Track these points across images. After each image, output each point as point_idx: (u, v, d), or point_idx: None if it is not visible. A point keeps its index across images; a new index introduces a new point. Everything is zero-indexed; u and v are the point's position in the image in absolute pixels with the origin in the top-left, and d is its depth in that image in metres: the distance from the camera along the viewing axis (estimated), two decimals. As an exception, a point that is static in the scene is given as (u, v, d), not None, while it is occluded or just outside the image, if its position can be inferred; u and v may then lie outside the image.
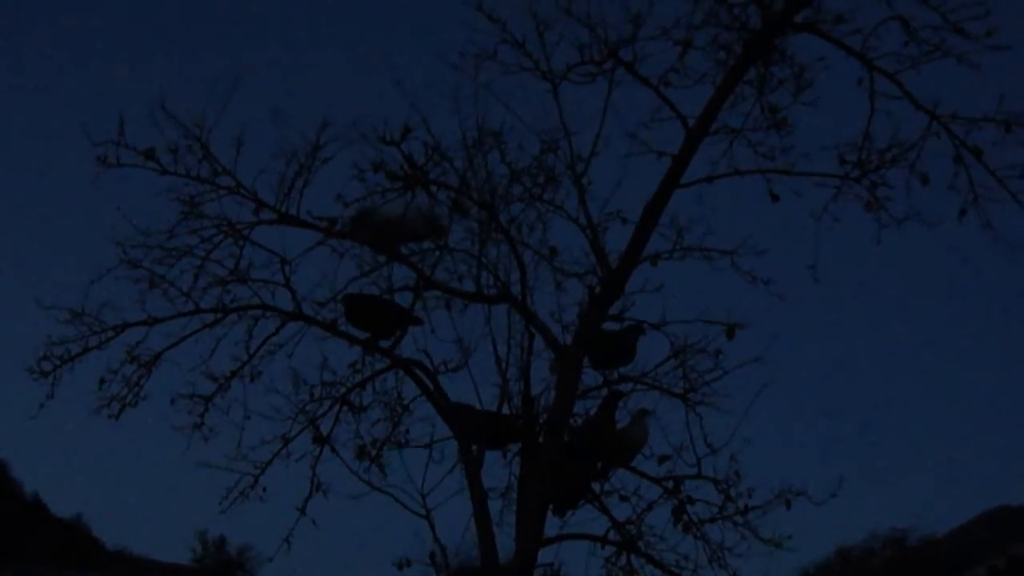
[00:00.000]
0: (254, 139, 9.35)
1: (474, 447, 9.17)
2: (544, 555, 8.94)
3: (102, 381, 9.40)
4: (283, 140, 9.22)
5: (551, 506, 8.98)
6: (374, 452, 9.61)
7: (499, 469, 9.43)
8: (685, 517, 9.19)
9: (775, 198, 9.40)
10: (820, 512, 9.04)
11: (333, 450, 9.63)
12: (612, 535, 9.20)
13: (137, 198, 9.64)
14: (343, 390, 9.64)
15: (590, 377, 9.49)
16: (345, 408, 9.66)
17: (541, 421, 9.19)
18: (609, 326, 9.35)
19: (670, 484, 9.27)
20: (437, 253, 9.55)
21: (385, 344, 9.47)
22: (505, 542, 8.87)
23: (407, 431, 9.69)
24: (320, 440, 9.60)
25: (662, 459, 9.27)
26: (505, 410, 9.34)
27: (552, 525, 8.98)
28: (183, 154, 9.28)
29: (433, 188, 9.48)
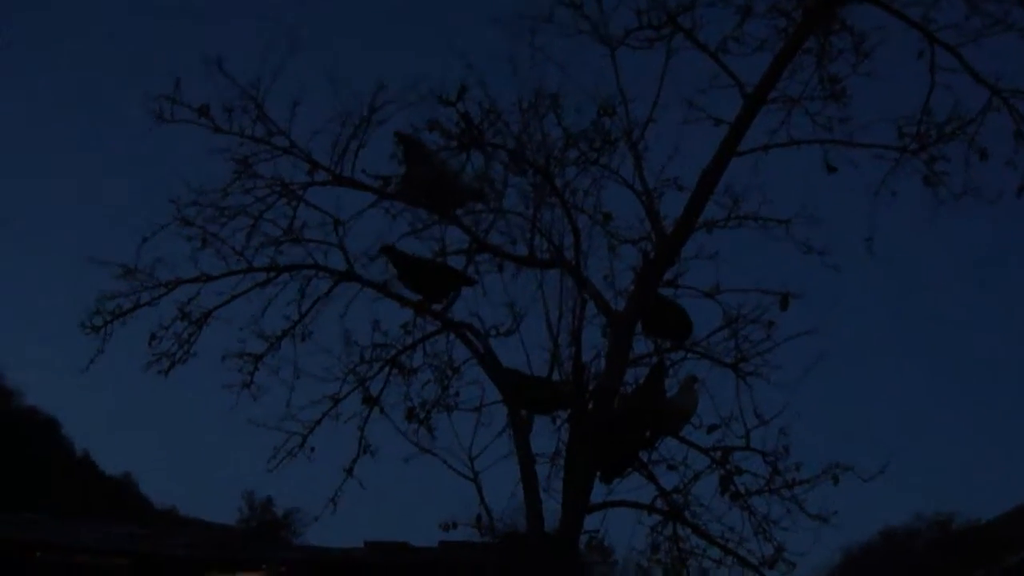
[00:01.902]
0: (309, 101, 9.37)
1: (523, 412, 9.16)
2: (590, 521, 8.98)
3: (152, 337, 9.46)
4: (339, 103, 9.22)
5: (599, 473, 8.97)
6: (423, 414, 9.62)
7: (547, 435, 9.45)
8: (732, 488, 9.15)
9: (832, 169, 9.33)
10: (866, 491, 9.01)
11: (382, 411, 9.67)
12: (659, 503, 9.21)
13: (191, 157, 9.68)
14: (394, 352, 9.66)
15: (641, 345, 9.47)
16: (395, 370, 9.67)
17: (591, 388, 9.17)
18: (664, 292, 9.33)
19: (718, 454, 9.25)
20: (491, 217, 9.54)
21: (437, 306, 9.45)
22: (551, 507, 8.89)
23: (456, 394, 9.71)
24: (370, 401, 9.63)
25: (711, 428, 9.25)
26: (555, 376, 9.32)
27: (598, 492, 9.00)
28: (238, 114, 9.31)
29: (489, 148, 9.46)
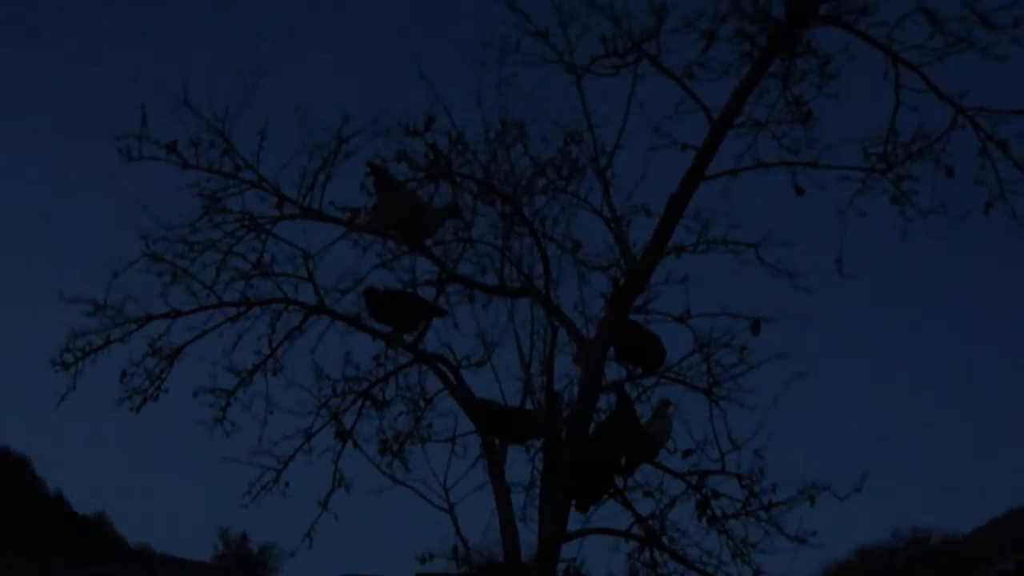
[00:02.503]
0: (276, 134, 9.35)
1: (497, 441, 9.16)
2: (567, 550, 8.95)
3: (124, 374, 9.40)
4: (306, 135, 9.21)
5: (574, 501, 8.95)
6: (397, 446, 9.60)
7: (522, 464, 9.43)
8: (709, 512, 9.15)
9: (800, 191, 9.35)
10: (842, 510, 9.01)
11: (356, 444, 9.62)
12: (635, 530, 9.18)
13: (159, 192, 9.64)
14: (366, 384, 9.63)
15: (613, 372, 9.47)
16: (368, 403, 9.64)
17: (564, 416, 9.16)
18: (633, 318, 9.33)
19: (694, 479, 9.24)
20: (461, 247, 9.55)
21: (409, 338, 9.44)
22: (528, 537, 8.88)
23: (430, 425, 9.68)
24: (343, 434, 9.59)
25: (687, 453, 9.25)
26: (528, 405, 9.32)
27: (575, 520, 8.98)
28: (205, 148, 9.29)
29: (457, 179, 9.46)
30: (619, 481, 9.26)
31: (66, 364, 9.32)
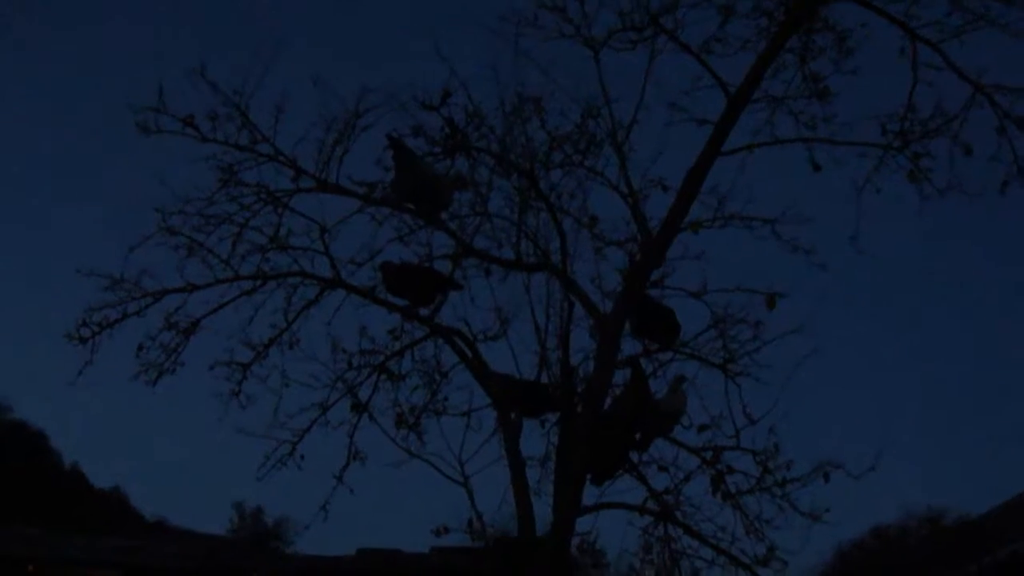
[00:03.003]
0: (293, 107, 9.36)
1: (512, 415, 9.17)
2: (581, 524, 8.97)
3: (140, 347, 9.42)
4: (322, 108, 9.22)
5: (589, 475, 8.96)
6: (412, 420, 9.63)
7: (537, 438, 9.46)
8: (723, 487, 9.16)
9: (817, 167, 9.34)
10: (856, 489, 9.00)
11: (371, 418, 9.66)
12: (650, 504, 9.20)
13: (176, 165, 9.65)
14: (382, 358, 9.66)
15: (629, 347, 9.48)
16: (384, 376, 9.67)
17: (580, 390, 9.18)
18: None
19: (709, 454, 9.25)
20: (477, 220, 9.55)
21: (425, 312, 9.46)
22: (542, 510, 8.91)
23: (445, 399, 9.72)
24: (358, 408, 9.62)
25: (702, 428, 9.26)
26: (544, 379, 9.34)
27: (589, 494, 9.00)
28: (222, 121, 9.30)
29: (473, 153, 9.47)
30: (634, 456, 9.27)
31: (83, 338, 9.33)
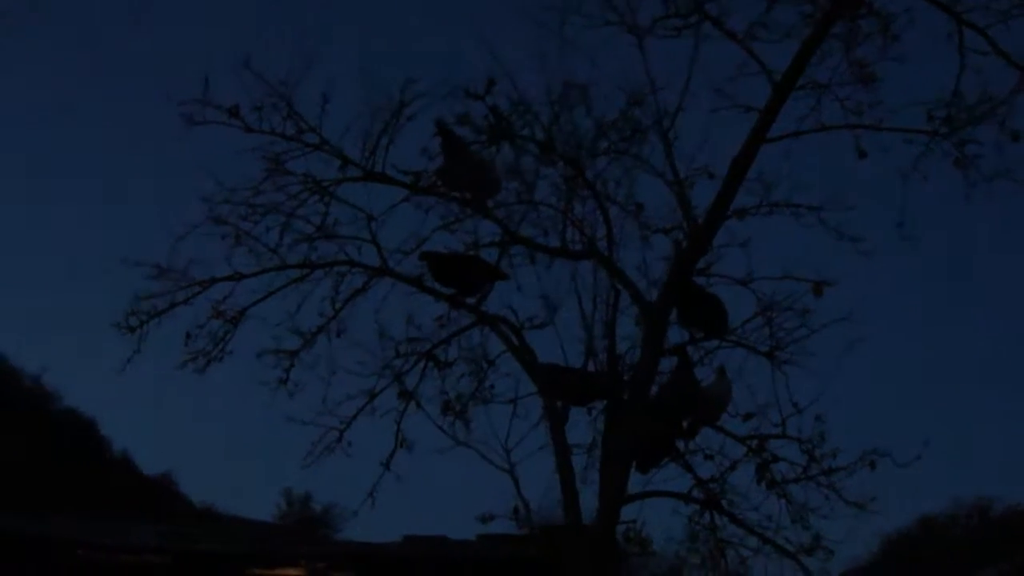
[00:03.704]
0: (339, 97, 9.39)
1: (558, 403, 9.19)
2: (627, 512, 9.01)
3: (188, 336, 9.50)
4: (368, 98, 9.25)
5: (635, 463, 8.97)
6: (459, 407, 9.66)
7: (583, 426, 9.46)
8: (769, 476, 9.14)
9: (863, 154, 9.27)
10: (903, 478, 8.96)
11: (419, 405, 9.71)
12: (695, 493, 9.20)
13: (223, 156, 9.71)
14: (428, 346, 9.69)
15: (675, 335, 9.47)
16: (430, 364, 9.70)
17: (626, 378, 9.18)
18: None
19: (754, 443, 9.24)
20: (523, 209, 9.56)
21: (471, 300, 9.49)
22: (588, 498, 8.92)
23: (492, 387, 9.74)
24: (405, 395, 9.66)
25: (747, 416, 9.23)
26: (590, 367, 9.34)
27: (635, 482, 9.02)
28: (268, 112, 9.33)
29: (518, 141, 9.48)
30: (680, 444, 9.27)
31: (131, 327, 9.43)
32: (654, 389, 9.09)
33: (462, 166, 9.19)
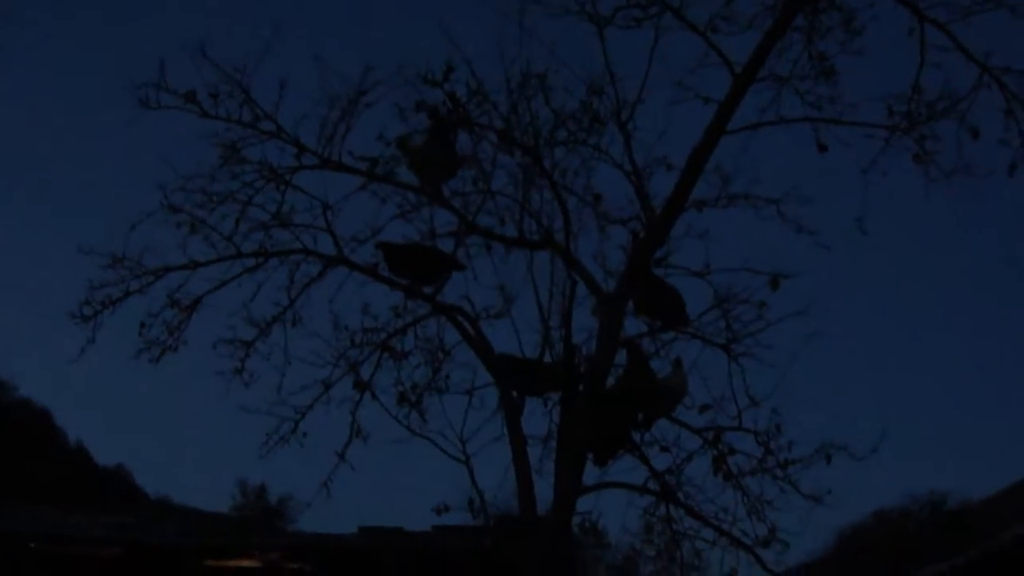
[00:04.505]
0: (296, 84, 9.33)
1: (514, 394, 9.16)
2: (582, 503, 8.98)
3: (142, 325, 9.44)
4: (325, 85, 9.19)
5: (591, 455, 8.95)
6: (414, 398, 9.62)
7: (539, 417, 9.44)
8: (725, 468, 9.15)
9: (823, 148, 9.29)
10: (858, 471, 8.98)
11: (374, 396, 9.65)
12: (651, 484, 9.19)
13: (178, 142, 9.63)
14: (384, 336, 9.64)
15: (632, 326, 9.46)
16: (386, 354, 9.66)
17: (582, 369, 9.15)
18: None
19: (710, 435, 9.24)
20: (480, 198, 9.51)
21: (427, 290, 9.44)
22: (544, 489, 8.89)
23: (448, 377, 9.72)
24: (361, 385, 9.61)
25: (703, 408, 9.24)
26: (547, 357, 9.32)
27: (591, 474, 9.00)
28: (224, 99, 9.28)
29: (476, 129, 9.43)
30: (636, 436, 9.25)
31: (85, 316, 9.38)
32: (610, 380, 9.06)
33: (439, 153, 9.15)
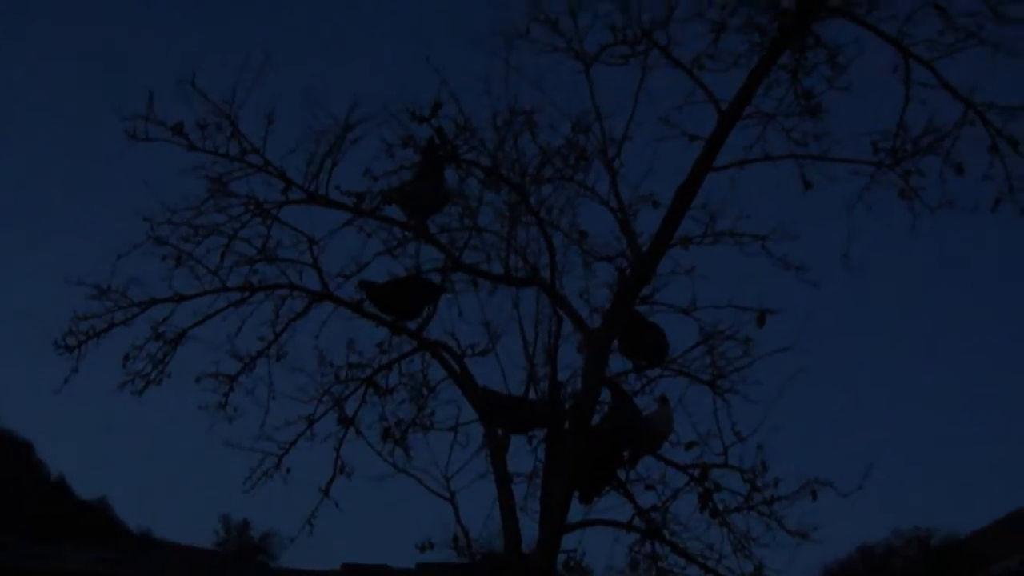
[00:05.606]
0: (284, 118, 9.36)
1: (499, 431, 9.12)
2: (567, 541, 8.92)
3: (126, 357, 9.41)
4: (313, 120, 9.20)
5: (576, 492, 8.91)
6: (399, 434, 9.58)
7: (524, 454, 9.39)
8: (711, 505, 9.11)
9: (808, 185, 9.31)
10: (844, 507, 8.97)
11: (358, 431, 9.61)
12: (637, 522, 9.15)
13: (165, 175, 9.63)
14: (369, 371, 9.61)
15: (617, 364, 9.44)
16: (371, 389, 9.62)
17: (567, 407, 9.13)
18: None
19: (696, 472, 9.20)
20: (466, 234, 9.51)
21: (413, 325, 9.42)
22: (529, 527, 8.85)
23: (432, 413, 9.66)
24: (345, 421, 9.57)
25: (689, 445, 9.20)
26: (532, 395, 9.28)
27: (576, 511, 8.95)
28: (212, 131, 9.29)
29: (463, 165, 9.43)
30: (621, 473, 9.22)
31: (69, 347, 9.34)
32: (596, 418, 9.04)
33: (426, 188, 9.16)
